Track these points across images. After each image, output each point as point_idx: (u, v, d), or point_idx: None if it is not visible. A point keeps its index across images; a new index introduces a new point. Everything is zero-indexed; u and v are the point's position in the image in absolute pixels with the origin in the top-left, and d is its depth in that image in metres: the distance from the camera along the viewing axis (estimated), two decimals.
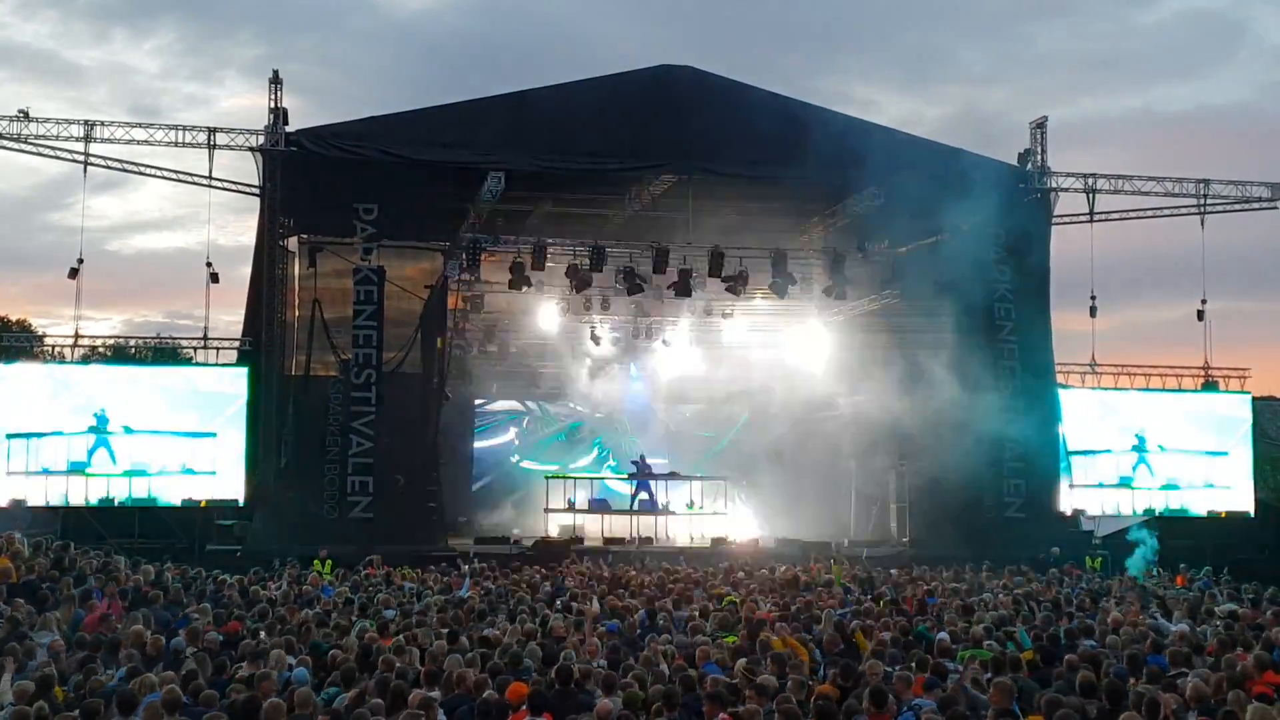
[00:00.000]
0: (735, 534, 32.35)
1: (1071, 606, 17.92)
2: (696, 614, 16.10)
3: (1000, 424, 30.63)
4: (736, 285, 32.66)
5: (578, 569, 23.06)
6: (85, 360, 32.22)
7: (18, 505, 28.06)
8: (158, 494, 28.76)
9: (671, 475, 36.33)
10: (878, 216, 31.18)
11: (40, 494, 28.61)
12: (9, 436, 28.44)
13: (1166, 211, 33.91)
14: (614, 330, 37.15)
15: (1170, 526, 33.54)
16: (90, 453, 28.70)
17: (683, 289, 32.98)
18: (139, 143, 29.33)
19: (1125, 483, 33.17)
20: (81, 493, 28.48)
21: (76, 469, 28.58)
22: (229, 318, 37.89)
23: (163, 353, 33.92)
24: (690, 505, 36.24)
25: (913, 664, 12.00)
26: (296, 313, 29.62)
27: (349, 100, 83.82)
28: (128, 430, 28.74)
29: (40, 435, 28.58)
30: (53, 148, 29.39)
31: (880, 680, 10.49)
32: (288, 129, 29.24)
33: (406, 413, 29.97)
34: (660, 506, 35.42)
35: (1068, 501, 32.01)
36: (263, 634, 13.54)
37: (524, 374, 39.29)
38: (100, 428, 28.69)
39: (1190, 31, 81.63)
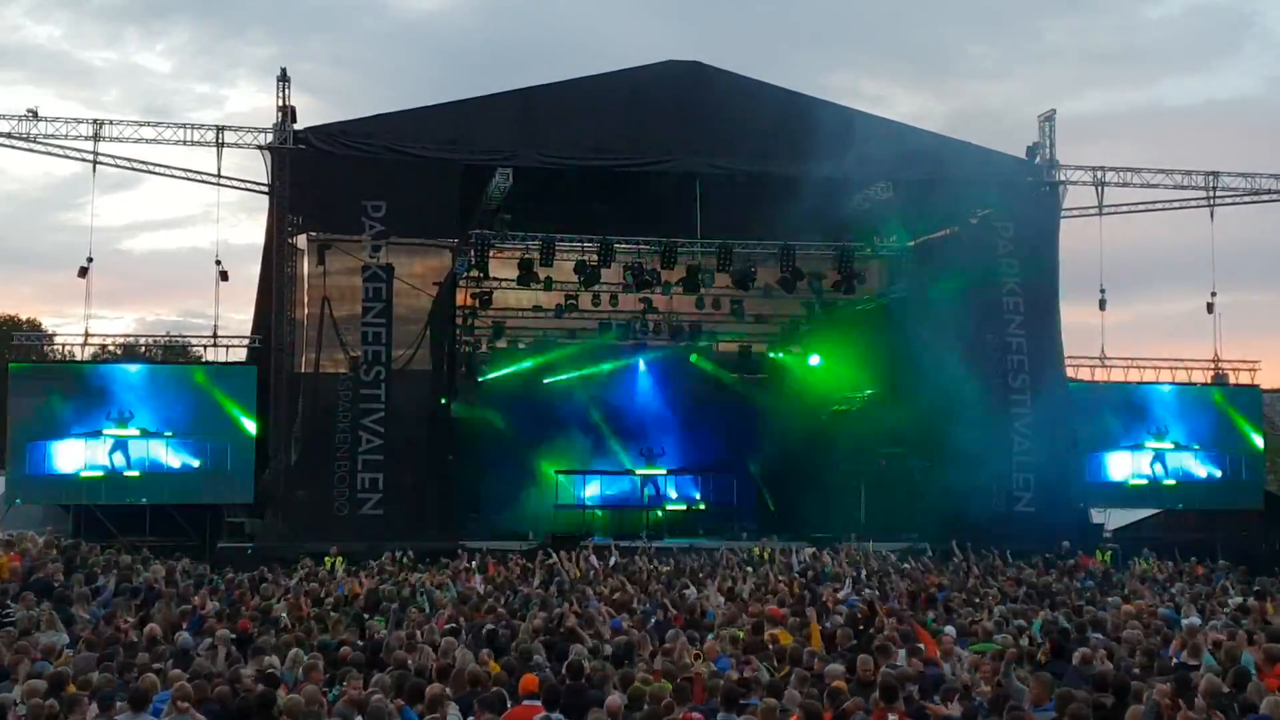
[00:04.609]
0: (745, 528, 32.37)
1: (1082, 600, 17.90)
2: (706, 607, 16.12)
3: (1010, 417, 30.63)
4: (745, 280, 32.68)
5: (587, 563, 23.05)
6: (95, 360, 32.29)
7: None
8: (170, 492, 28.86)
9: (681, 470, 36.37)
10: (887, 211, 31.18)
11: (56, 494, 28.82)
12: (28, 442, 28.58)
13: (1175, 204, 33.88)
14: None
15: (1180, 520, 33.54)
16: (110, 454, 28.82)
17: (691, 284, 33.02)
18: (148, 142, 29.45)
19: (1135, 475, 33.14)
20: (96, 493, 28.59)
21: (93, 470, 28.72)
22: (240, 316, 38.03)
23: (172, 351, 33.95)
24: (700, 499, 36.34)
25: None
26: (306, 310, 29.61)
27: (360, 99, 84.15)
28: (141, 434, 28.87)
29: (57, 439, 28.72)
30: (62, 147, 29.50)
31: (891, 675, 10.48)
32: (296, 127, 29.33)
33: (416, 410, 29.96)
34: (670, 500, 35.51)
35: (1077, 495, 31.92)
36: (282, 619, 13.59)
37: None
38: (115, 430, 28.81)
39: (1198, 25, 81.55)
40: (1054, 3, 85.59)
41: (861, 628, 13.86)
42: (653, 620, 15.34)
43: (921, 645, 12.52)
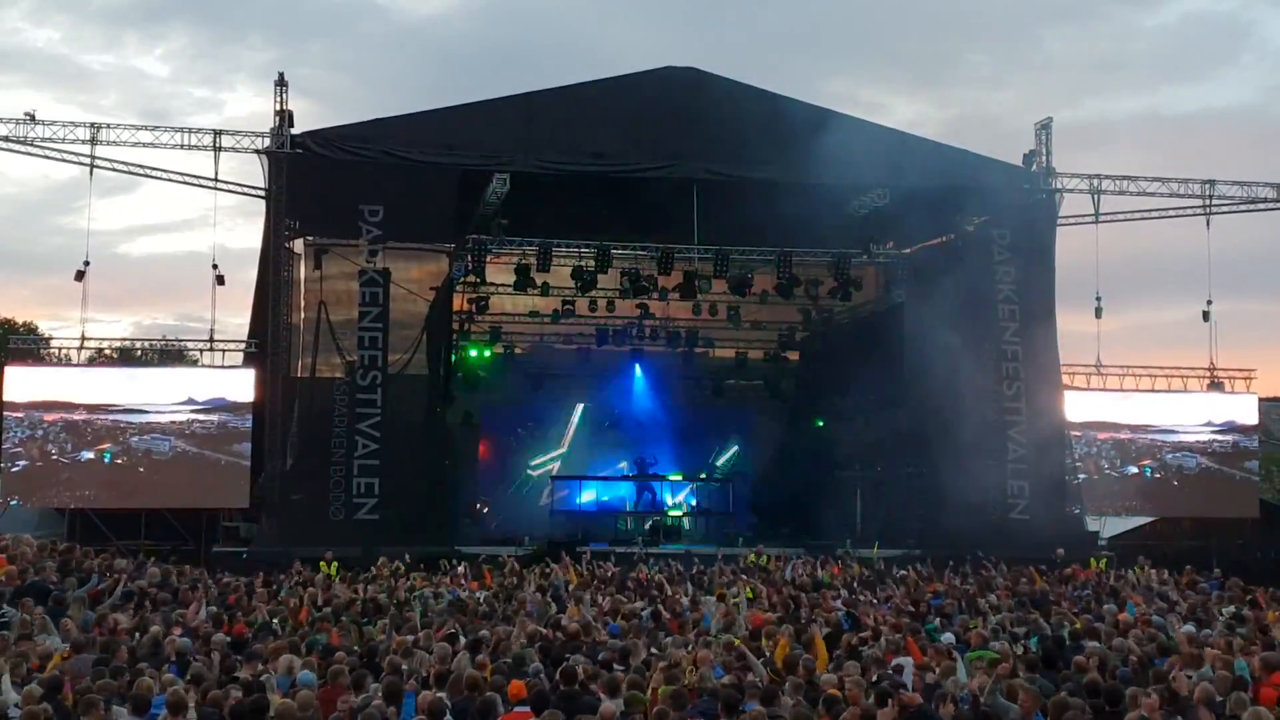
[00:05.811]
0: (741, 534, 32.39)
1: (1077, 608, 17.90)
2: (700, 615, 16.11)
3: (1005, 425, 30.64)
4: (742, 287, 32.71)
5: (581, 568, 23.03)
6: (91, 363, 32.23)
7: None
8: (164, 495, 28.80)
9: (676, 476, 36.34)
10: (883, 218, 31.21)
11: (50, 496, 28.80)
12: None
13: (1172, 212, 33.87)
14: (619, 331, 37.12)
15: (1175, 527, 33.57)
16: (106, 457, 28.76)
17: (688, 291, 33.04)
18: (145, 145, 29.43)
19: (1131, 483, 33.16)
20: (90, 496, 28.55)
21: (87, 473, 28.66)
22: (236, 320, 37.98)
23: (169, 355, 33.88)
24: (695, 505, 36.31)
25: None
26: (302, 314, 29.59)
27: (359, 104, 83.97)
28: (137, 434, 28.82)
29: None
30: (59, 151, 29.46)
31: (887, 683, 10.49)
32: (293, 131, 29.32)
33: (412, 414, 29.95)
34: (664, 506, 35.46)
35: (1072, 503, 31.94)
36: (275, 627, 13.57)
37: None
38: (114, 430, 28.78)
39: (1195, 34, 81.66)
40: (1051, 11, 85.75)
41: (863, 640, 13.86)
42: (649, 627, 15.32)
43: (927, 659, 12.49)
